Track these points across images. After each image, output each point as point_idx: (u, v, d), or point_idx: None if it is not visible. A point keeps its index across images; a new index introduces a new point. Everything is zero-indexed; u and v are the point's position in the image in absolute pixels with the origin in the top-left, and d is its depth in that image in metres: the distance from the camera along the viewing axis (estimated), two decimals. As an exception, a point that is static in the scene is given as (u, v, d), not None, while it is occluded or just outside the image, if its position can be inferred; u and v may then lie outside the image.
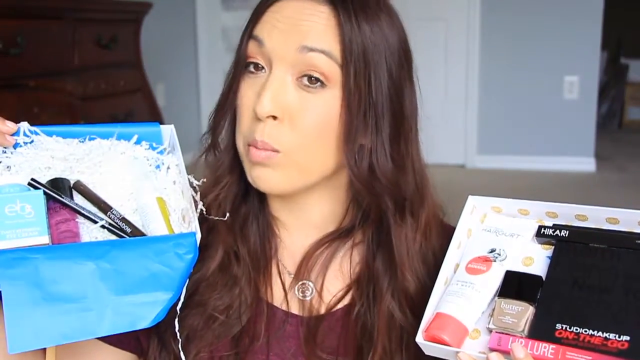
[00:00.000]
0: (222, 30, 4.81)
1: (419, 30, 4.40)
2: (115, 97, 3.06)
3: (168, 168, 0.80)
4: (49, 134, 0.79)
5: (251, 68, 0.82)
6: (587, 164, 4.60)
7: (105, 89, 2.99)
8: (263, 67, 0.81)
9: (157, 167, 0.81)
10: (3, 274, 0.65)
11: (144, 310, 0.68)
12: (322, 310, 0.87)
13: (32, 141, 0.78)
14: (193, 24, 4.71)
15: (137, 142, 0.81)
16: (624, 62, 6.59)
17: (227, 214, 0.85)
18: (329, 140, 0.80)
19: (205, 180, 0.83)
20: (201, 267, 0.85)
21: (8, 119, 0.77)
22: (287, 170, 0.81)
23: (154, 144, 0.82)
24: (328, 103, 0.79)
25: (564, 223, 0.78)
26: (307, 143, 0.79)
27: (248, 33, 0.82)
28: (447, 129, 4.58)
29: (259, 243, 0.89)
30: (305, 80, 0.78)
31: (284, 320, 0.87)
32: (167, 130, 0.83)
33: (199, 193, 0.79)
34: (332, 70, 0.78)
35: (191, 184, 0.79)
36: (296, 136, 0.79)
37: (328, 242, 0.88)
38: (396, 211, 0.84)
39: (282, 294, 0.88)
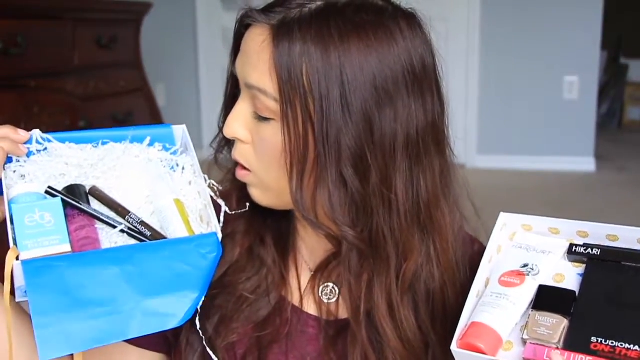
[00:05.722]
0: (222, 30, 4.79)
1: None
2: (115, 97, 3.05)
3: (183, 169, 0.81)
4: (62, 141, 0.79)
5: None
6: (587, 164, 4.61)
7: (105, 89, 2.98)
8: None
9: (172, 168, 0.81)
10: (29, 283, 0.64)
11: (171, 310, 0.69)
12: (342, 315, 0.86)
13: (45, 149, 0.78)
14: (193, 24, 4.70)
15: (150, 144, 0.81)
16: (624, 62, 6.59)
17: (248, 205, 0.85)
18: (295, 168, 0.77)
19: (220, 188, 0.83)
20: (229, 252, 0.86)
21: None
22: (263, 189, 0.82)
23: (167, 145, 0.82)
24: (277, 135, 0.76)
25: (594, 242, 0.78)
26: (269, 168, 0.79)
27: (232, 60, 0.83)
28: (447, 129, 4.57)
29: (282, 234, 0.89)
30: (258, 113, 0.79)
31: (303, 320, 0.86)
32: (179, 131, 0.83)
33: (218, 193, 0.80)
34: (271, 106, 0.76)
35: (210, 186, 0.79)
36: (259, 160, 0.80)
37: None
38: (363, 254, 0.80)
39: (299, 292, 0.87)
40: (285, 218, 0.89)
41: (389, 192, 0.77)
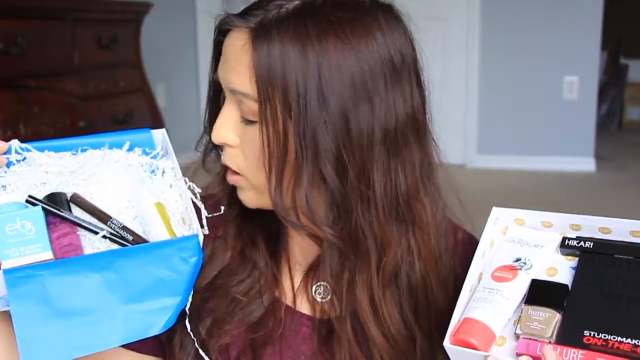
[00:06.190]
0: (222, 30, 4.78)
1: (419, 30, 4.42)
2: (115, 97, 3.05)
3: (163, 172, 0.80)
4: (41, 149, 0.78)
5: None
6: (587, 164, 4.60)
7: (105, 89, 2.98)
8: None
9: (152, 172, 0.80)
10: (11, 294, 0.64)
11: (153, 317, 0.68)
12: (335, 314, 0.85)
13: (24, 158, 0.77)
14: (193, 24, 4.70)
15: (130, 149, 0.81)
16: (624, 62, 6.59)
17: (222, 208, 0.85)
18: (283, 169, 0.78)
19: (200, 190, 0.83)
20: (220, 255, 0.86)
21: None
22: (254, 191, 0.82)
23: (147, 150, 0.81)
24: (269, 135, 0.76)
25: (587, 235, 0.78)
26: (259, 170, 0.79)
27: (213, 67, 0.84)
28: (447, 129, 4.56)
29: (272, 239, 0.89)
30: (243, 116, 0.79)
31: (297, 320, 0.86)
32: (159, 135, 0.83)
33: (198, 196, 0.79)
34: (255, 108, 0.76)
35: (190, 188, 0.79)
36: (249, 163, 0.80)
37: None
38: (343, 252, 0.80)
39: (293, 292, 0.88)
40: (276, 219, 0.89)
41: (366, 188, 0.77)
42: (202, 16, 4.73)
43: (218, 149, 0.88)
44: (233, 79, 0.77)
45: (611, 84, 6.42)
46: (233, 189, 0.86)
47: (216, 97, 0.85)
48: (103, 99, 2.96)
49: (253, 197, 0.83)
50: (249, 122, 0.78)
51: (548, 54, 4.51)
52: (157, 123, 3.23)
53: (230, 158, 0.82)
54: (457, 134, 4.70)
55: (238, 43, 0.76)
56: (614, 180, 4.43)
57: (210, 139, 0.87)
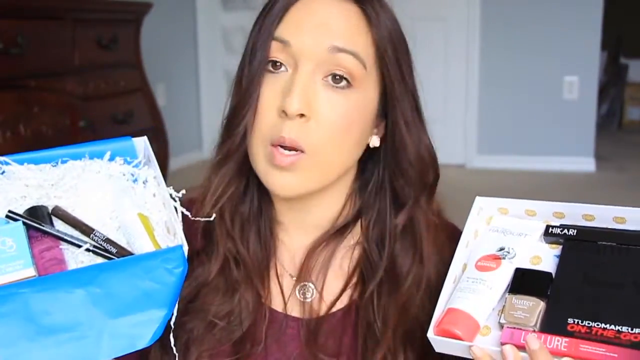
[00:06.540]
0: (222, 30, 4.81)
1: (419, 30, 4.47)
2: (115, 97, 3.06)
3: (145, 181, 0.78)
4: (20, 162, 0.77)
5: (270, 67, 0.81)
6: (587, 164, 4.60)
7: (105, 89, 2.98)
8: (282, 65, 0.80)
9: (135, 181, 0.78)
10: None
11: (140, 329, 0.67)
12: (323, 312, 0.86)
13: (3, 172, 0.76)
14: (193, 24, 4.71)
15: (111, 159, 0.79)
16: (624, 62, 6.59)
17: (214, 215, 0.83)
18: (352, 138, 0.81)
19: (185, 192, 0.80)
20: (202, 273, 0.85)
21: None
22: (308, 172, 0.80)
23: (128, 159, 0.80)
24: (353, 102, 0.80)
25: (571, 223, 0.78)
26: (332, 141, 0.79)
27: (270, 34, 0.80)
28: (447, 129, 4.58)
29: (259, 246, 0.88)
30: (330, 79, 0.79)
31: (284, 324, 0.86)
32: (141, 143, 0.81)
33: (179, 202, 0.77)
34: (358, 70, 0.79)
35: (171, 196, 0.77)
36: (322, 134, 0.79)
37: (326, 240, 0.87)
38: (422, 194, 0.86)
39: (282, 297, 0.87)
40: (267, 226, 0.89)
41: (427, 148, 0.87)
42: (202, 16, 4.74)
43: (234, 153, 0.85)
44: (337, 37, 0.79)
45: (611, 84, 6.42)
46: (222, 197, 0.85)
47: (256, 76, 0.81)
48: (103, 99, 2.97)
49: (307, 178, 0.81)
50: (338, 87, 0.79)
51: (548, 53, 4.52)
52: (157, 123, 3.24)
53: (299, 132, 0.78)
54: (457, 134, 4.71)
55: (344, 6, 0.80)
56: (614, 180, 4.42)
57: (226, 131, 0.84)
